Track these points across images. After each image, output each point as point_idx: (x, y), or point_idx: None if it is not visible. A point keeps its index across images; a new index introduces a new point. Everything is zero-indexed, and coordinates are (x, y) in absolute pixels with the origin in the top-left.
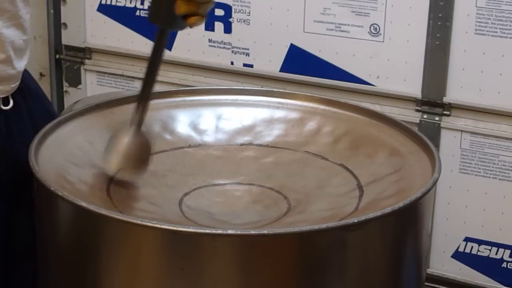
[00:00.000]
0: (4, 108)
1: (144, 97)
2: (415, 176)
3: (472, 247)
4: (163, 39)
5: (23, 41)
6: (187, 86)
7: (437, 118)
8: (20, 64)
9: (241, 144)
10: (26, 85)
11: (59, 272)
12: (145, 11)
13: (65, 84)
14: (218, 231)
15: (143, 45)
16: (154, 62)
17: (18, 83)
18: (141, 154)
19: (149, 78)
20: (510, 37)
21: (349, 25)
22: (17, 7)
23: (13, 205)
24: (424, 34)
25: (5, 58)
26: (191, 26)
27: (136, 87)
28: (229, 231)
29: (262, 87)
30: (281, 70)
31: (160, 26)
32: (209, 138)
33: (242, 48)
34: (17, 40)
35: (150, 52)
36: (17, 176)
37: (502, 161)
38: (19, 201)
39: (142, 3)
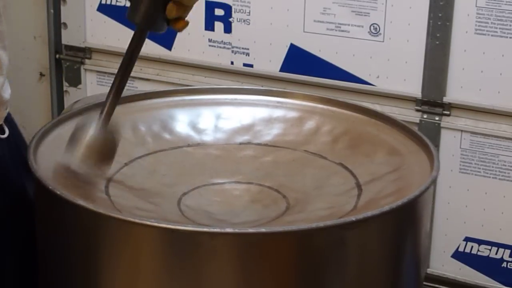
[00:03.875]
0: (2, 137)
1: (114, 91)
2: (414, 175)
3: (472, 247)
4: (142, 39)
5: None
6: (187, 86)
7: (437, 118)
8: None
9: (240, 143)
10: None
11: (58, 271)
12: None
13: (65, 84)
14: (216, 230)
15: (143, 45)
16: (131, 59)
17: (8, 110)
18: (105, 149)
19: (123, 74)
20: (510, 37)
21: (349, 25)
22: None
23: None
24: (424, 34)
25: (2, 81)
26: (180, 31)
27: (136, 87)
28: (228, 230)
29: (262, 87)
30: (281, 70)
31: (143, 28)
32: (208, 137)
33: (242, 48)
34: (5, 62)
35: (127, 49)
36: (16, 205)
37: (502, 161)
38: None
39: None
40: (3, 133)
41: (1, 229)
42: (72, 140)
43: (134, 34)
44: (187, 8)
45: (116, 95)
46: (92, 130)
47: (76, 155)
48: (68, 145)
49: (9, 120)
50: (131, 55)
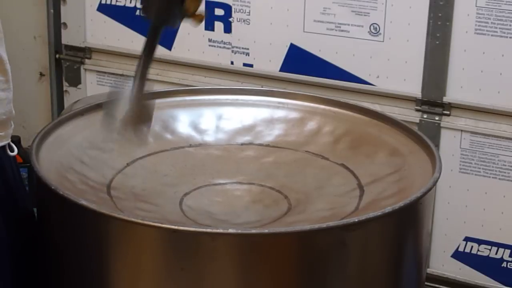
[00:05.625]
0: (11, 154)
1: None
2: (415, 175)
3: (472, 247)
4: (158, 35)
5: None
6: (187, 85)
7: (437, 118)
8: None
9: (242, 144)
10: None
11: (60, 271)
12: None
13: (65, 84)
14: (218, 230)
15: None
16: (149, 57)
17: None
18: (142, 116)
19: (144, 66)
20: (510, 37)
21: (349, 24)
22: None
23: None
24: (424, 33)
25: (11, 96)
26: (198, 24)
27: None
28: (230, 230)
29: (262, 87)
30: (281, 70)
31: (158, 24)
32: (209, 137)
33: (242, 48)
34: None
35: (143, 46)
36: (25, 221)
37: (502, 161)
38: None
39: None
40: (12, 150)
41: (9, 243)
42: (108, 110)
43: (149, 31)
44: (201, 1)
45: (142, 79)
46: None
47: (116, 124)
48: (105, 115)
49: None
50: (149, 53)
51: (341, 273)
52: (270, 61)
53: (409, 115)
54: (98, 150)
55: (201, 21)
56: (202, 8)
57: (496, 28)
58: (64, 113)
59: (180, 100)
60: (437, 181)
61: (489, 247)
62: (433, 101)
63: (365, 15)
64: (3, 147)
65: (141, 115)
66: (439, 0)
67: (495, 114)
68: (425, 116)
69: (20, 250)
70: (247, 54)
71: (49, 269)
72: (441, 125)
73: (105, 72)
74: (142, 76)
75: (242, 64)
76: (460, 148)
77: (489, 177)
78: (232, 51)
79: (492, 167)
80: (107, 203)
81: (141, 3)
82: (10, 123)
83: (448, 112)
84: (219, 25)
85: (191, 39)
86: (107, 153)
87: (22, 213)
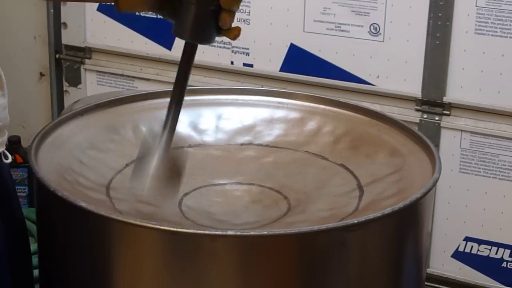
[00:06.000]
0: (6, 161)
1: (172, 114)
2: (415, 176)
3: (472, 246)
4: (193, 54)
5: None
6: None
7: (437, 118)
8: None
9: (241, 144)
10: None
11: (59, 273)
12: (145, 11)
13: (65, 84)
14: (218, 232)
15: (143, 45)
16: (185, 78)
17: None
18: (172, 172)
19: (180, 93)
20: (510, 37)
21: (349, 24)
22: None
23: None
24: (424, 33)
25: (5, 103)
26: (235, 38)
27: (136, 86)
28: (229, 232)
29: (262, 87)
30: (281, 70)
31: (194, 43)
32: (209, 138)
33: (242, 48)
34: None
35: (179, 67)
36: (21, 228)
37: (502, 161)
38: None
39: None
40: (7, 158)
41: (9, 250)
42: (138, 166)
43: (184, 51)
44: (234, 14)
45: (175, 118)
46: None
47: (145, 182)
48: (135, 172)
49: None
50: (185, 74)
51: (341, 274)
52: (270, 61)
53: (409, 115)
54: (97, 151)
55: (238, 34)
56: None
57: (496, 28)
58: (64, 113)
59: None
60: (437, 181)
61: (489, 247)
62: (433, 101)
63: (365, 15)
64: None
65: (173, 167)
66: (439, 0)
67: (495, 114)
68: (425, 116)
69: (17, 257)
70: (247, 54)
71: (48, 270)
72: (441, 125)
73: (105, 72)
74: (175, 118)
75: (242, 64)
76: (460, 148)
77: (489, 177)
78: (232, 51)
79: (492, 167)
80: (106, 204)
81: (173, 22)
82: (4, 130)
83: (448, 112)
84: None
85: None
86: (106, 154)
87: (18, 220)
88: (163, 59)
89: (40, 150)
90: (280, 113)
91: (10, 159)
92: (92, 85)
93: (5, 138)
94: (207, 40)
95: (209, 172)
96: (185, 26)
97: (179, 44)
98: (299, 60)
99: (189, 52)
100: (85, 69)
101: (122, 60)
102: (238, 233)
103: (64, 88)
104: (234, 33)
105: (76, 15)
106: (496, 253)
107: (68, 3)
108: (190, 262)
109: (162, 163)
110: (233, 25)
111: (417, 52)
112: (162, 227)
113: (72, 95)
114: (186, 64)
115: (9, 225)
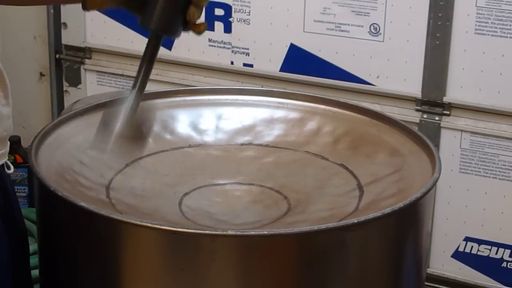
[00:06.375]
0: (8, 172)
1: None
2: (415, 176)
3: (472, 247)
4: (158, 45)
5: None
6: (187, 86)
7: (437, 118)
8: None
9: (241, 144)
10: None
11: (59, 272)
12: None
13: (65, 84)
14: (218, 232)
15: (143, 45)
16: (149, 67)
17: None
18: (135, 134)
19: (143, 78)
20: (510, 37)
21: (349, 24)
22: None
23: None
24: (424, 34)
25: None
26: (201, 33)
27: None
28: (229, 232)
29: (262, 87)
30: (281, 70)
31: (160, 34)
32: (209, 138)
33: (242, 48)
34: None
35: (143, 56)
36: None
37: (502, 161)
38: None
39: None
40: (9, 168)
41: (12, 257)
42: (103, 126)
43: (149, 41)
44: (202, 9)
45: (141, 90)
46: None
47: (108, 141)
48: (99, 131)
49: None
50: (149, 64)
51: (341, 273)
52: (270, 61)
53: (409, 115)
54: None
55: (204, 30)
56: (202, 15)
57: (496, 28)
58: (64, 113)
59: (180, 100)
60: (437, 181)
61: (489, 247)
62: (433, 101)
63: (365, 15)
64: (3, 165)
65: (137, 128)
66: (439, 0)
67: (495, 114)
68: (425, 116)
69: (18, 262)
70: (247, 54)
71: (48, 270)
72: (441, 125)
73: (105, 72)
74: (141, 87)
75: (242, 64)
76: (460, 148)
77: (489, 177)
78: (232, 51)
79: (492, 167)
80: (106, 204)
81: (141, 13)
82: (6, 141)
83: (448, 112)
84: (219, 25)
85: (191, 39)
86: (106, 154)
87: (19, 227)
88: (163, 59)
89: (40, 150)
90: (280, 113)
91: (12, 170)
92: (92, 85)
93: (7, 149)
94: (174, 33)
95: (209, 172)
96: (152, 17)
97: (179, 44)
98: (299, 60)
99: (154, 44)
100: (85, 69)
101: (122, 60)
102: (238, 233)
103: (64, 88)
104: (200, 28)
105: (76, 15)
106: (496, 253)
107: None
108: (190, 261)
109: (127, 123)
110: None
111: (417, 52)
112: (162, 227)
113: (72, 95)
114: (149, 56)
115: (11, 233)
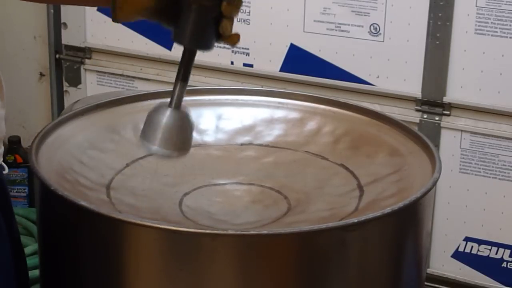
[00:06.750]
0: (4, 172)
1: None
2: (415, 176)
3: (472, 247)
4: (192, 60)
5: None
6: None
7: (437, 118)
8: None
9: (241, 144)
10: None
11: (59, 271)
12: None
13: (65, 84)
14: (218, 231)
15: (143, 45)
16: (185, 81)
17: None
18: (182, 134)
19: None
20: (510, 37)
21: (349, 25)
22: None
23: None
24: (424, 34)
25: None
26: (235, 45)
27: (136, 86)
28: (229, 231)
29: (262, 87)
30: (281, 70)
31: (194, 49)
32: (209, 138)
33: (242, 48)
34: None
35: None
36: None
37: (502, 161)
38: None
39: None
40: (4, 169)
41: (12, 257)
42: (148, 127)
43: (182, 57)
44: (233, 21)
45: (183, 85)
46: (166, 116)
47: (156, 141)
48: (145, 132)
49: None
50: (183, 81)
51: (341, 273)
52: (270, 61)
53: (409, 115)
54: (98, 151)
55: (238, 41)
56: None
57: (496, 28)
58: (64, 113)
59: None
60: (437, 181)
61: (489, 247)
62: (433, 101)
63: (365, 15)
64: None
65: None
66: (439, 0)
67: (495, 114)
68: (425, 116)
69: (20, 264)
70: (247, 54)
71: (48, 270)
72: (441, 125)
73: (105, 72)
74: (177, 105)
75: (242, 64)
76: (460, 148)
77: (489, 177)
78: (232, 51)
79: (492, 167)
80: (107, 204)
81: (172, 26)
82: (1, 143)
83: (448, 112)
84: None
85: None
86: (106, 154)
87: (16, 228)
88: (163, 59)
89: (41, 150)
90: (280, 113)
91: (7, 171)
92: (92, 85)
93: (1, 150)
94: (207, 47)
95: (209, 172)
96: (185, 32)
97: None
98: (299, 60)
99: (188, 58)
100: (85, 69)
101: (122, 60)
102: (238, 232)
103: (64, 88)
104: (234, 40)
105: (76, 15)
106: (496, 253)
107: None
108: (190, 261)
109: (173, 119)
110: (235, 25)
111: (417, 52)
112: (162, 226)
113: (72, 95)
114: (184, 73)
115: (11, 233)
